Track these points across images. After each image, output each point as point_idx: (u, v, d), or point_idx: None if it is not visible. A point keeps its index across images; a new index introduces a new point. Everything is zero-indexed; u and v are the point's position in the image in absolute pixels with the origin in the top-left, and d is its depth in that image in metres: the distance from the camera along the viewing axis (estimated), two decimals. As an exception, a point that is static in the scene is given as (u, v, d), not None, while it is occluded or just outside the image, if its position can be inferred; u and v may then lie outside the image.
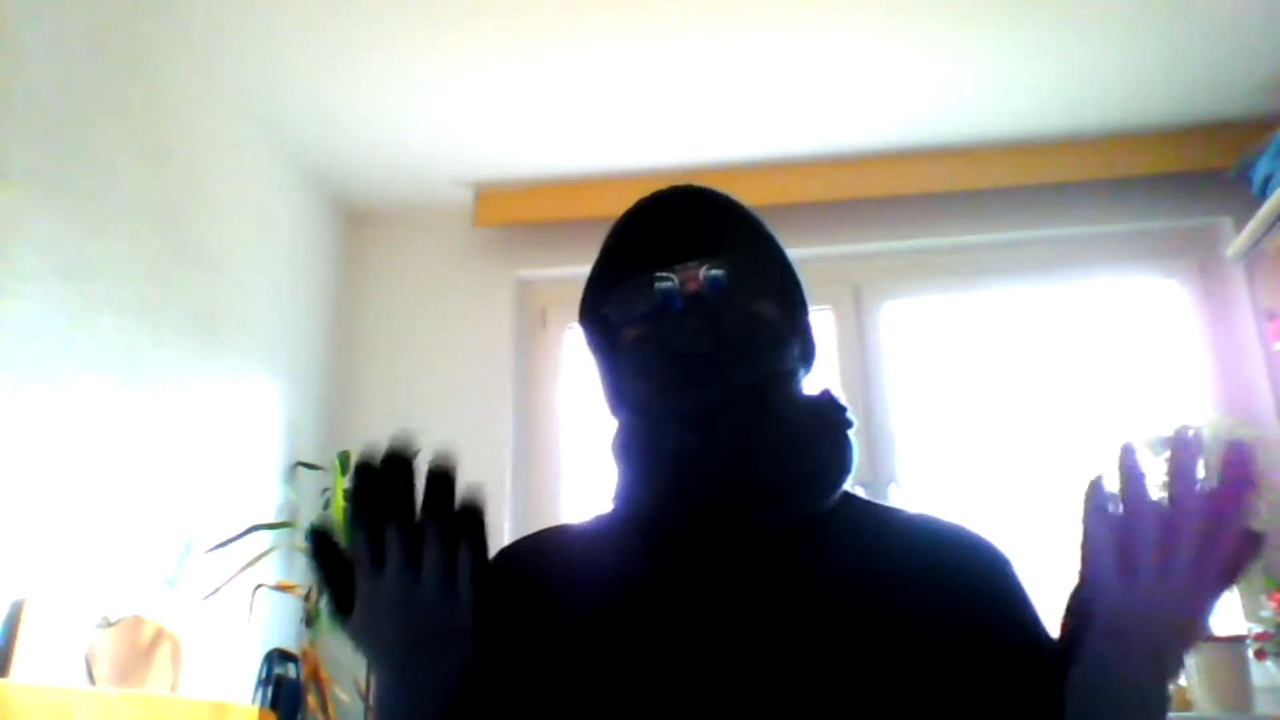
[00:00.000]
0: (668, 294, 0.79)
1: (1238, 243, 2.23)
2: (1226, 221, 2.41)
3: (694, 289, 0.79)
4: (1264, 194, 2.16)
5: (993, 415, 2.46)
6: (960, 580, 0.74)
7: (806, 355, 0.86)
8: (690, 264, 0.80)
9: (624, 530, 0.81)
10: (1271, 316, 2.23)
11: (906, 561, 0.75)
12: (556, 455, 2.59)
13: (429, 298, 2.71)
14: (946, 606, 0.72)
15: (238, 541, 2.00)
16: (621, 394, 0.86)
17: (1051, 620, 0.76)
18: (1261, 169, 2.20)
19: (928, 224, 2.57)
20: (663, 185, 0.89)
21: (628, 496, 0.82)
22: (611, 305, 0.84)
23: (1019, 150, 2.48)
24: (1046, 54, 2.16)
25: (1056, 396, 2.44)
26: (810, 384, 0.86)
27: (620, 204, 0.89)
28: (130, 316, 1.83)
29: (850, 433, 0.82)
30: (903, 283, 2.61)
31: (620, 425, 0.86)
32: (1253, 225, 2.15)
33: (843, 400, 0.84)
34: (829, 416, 0.81)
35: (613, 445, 0.85)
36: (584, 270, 0.90)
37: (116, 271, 1.80)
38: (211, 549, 1.97)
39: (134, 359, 1.83)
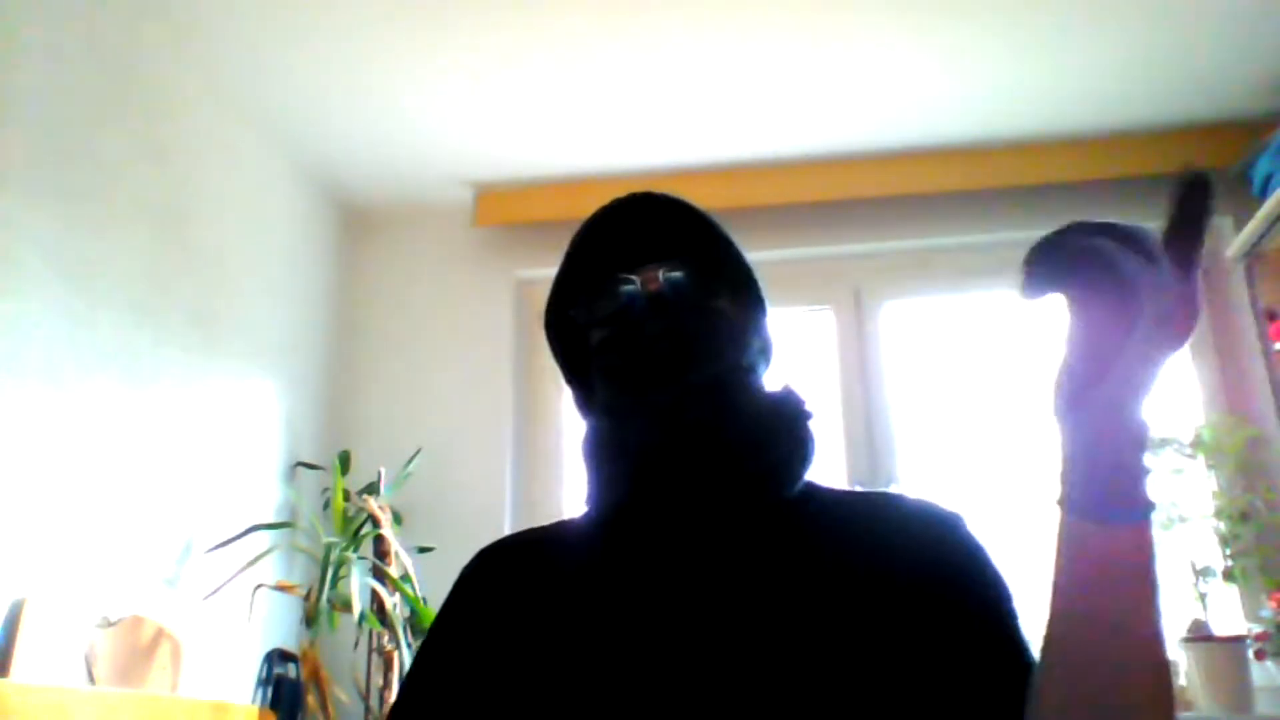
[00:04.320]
0: (630, 296, 0.82)
1: (1238, 243, 2.23)
2: (1226, 221, 2.40)
3: (655, 289, 0.82)
4: (1264, 194, 2.16)
5: (992, 415, 2.46)
6: (915, 545, 0.75)
7: (765, 351, 0.88)
8: (650, 266, 0.83)
9: (593, 531, 0.83)
10: (1271, 316, 2.23)
11: (865, 541, 0.77)
12: (556, 455, 2.59)
13: (429, 298, 2.71)
14: (905, 576, 0.73)
15: (238, 541, 2.00)
16: (588, 398, 0.89)
17: (1010, 573, 0.76)
18: (1261, 169, 2.20)
19: (928, 224, 2.57)
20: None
21: (596, 497, 0.83)
22: (577, 309, 0.88)
23: (1019, 150, 2.48)
24: (1047, 54, 2.16)
25: (1056, 396, 2.44)
26: (771, 380, 0.88)
27: (620, 204, 0.90)
28: (130, 316, 1.83)
29: (810, 423, 0.83)
30: (903, 283, 2.61)
31: (588, 428, 0.88)
32: (1253, 225, 2.15)
33: (802, 393, 0.85)
34: (789, 409, 0.83)
35: (582, 448, 0.87)
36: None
37: (116, 271, 1.81)
38: (211, 549, 1.97)
39: (134, 359, 1.83)
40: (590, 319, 0.86)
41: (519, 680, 0.73)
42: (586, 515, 0.85)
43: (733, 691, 0.68)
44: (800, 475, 0.81)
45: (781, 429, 0.81)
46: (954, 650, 0.70)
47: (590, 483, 0.85)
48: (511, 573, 0.83)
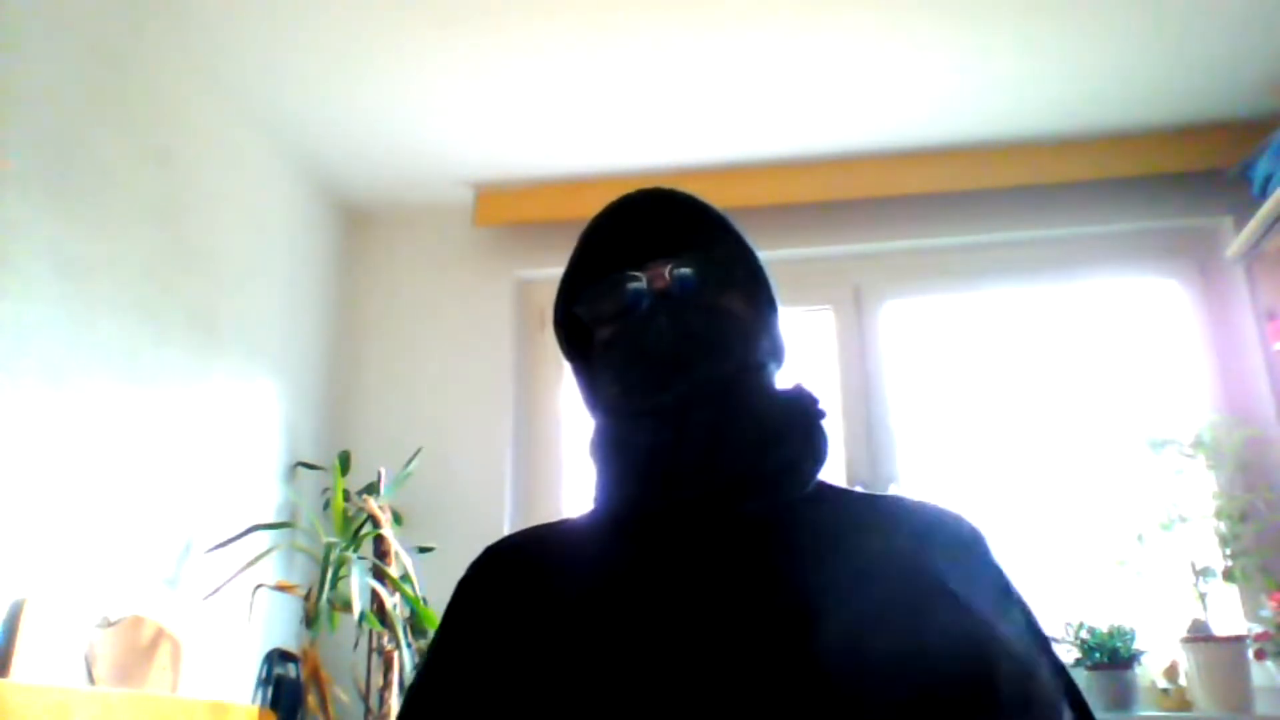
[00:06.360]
0: (636, 293, 0.81)
1: (1238, 243, 2.23)
2: (1226, 221, 2.41)
3: (662, 287, 0.81)
4: (1264, 194, 2.16)
5: (993, 415, 2.46)
6: (934, 556, 0.74)
7: (776, 350, 0.87)
8: (658, 263, 0.82)
9: (601, 528, 0.82)
10: (1271, 316, 2.23)
11: (880, 543, 0.75)
12: (556, 455, 2.59)
13: (429, 298, 2.71)
14: (922, 584, 0.72)
15: (238, 541, 2.00)
16: (595, 395, 0.88)
17: (1026, 592, 0.76)
18: (1261, 169, 2.20)
19: (928, 224, 2.57)
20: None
21: (604, 495, 0.83)
22: (582, 306, 0.86)
23: (1019, 150, 2.48)
24: (1046, 54, 2.16)
25: (1056, 397, 2.44)
26: (782, 379, 0.87)
27: (620, 204, 0.90)
28: (130, 316, 1.83)
29: (823, 423, 0.82)
30: (903, 283, 2.61)
31: (595, 426, 0.87)
32: (1253, 225, 2.15)
33: (814, 393, 0.84)
34: (800, 408, 0.82)
35: (589, 446, 0.86)
36: (585, 270, 0.90)
37: (116, 271, 1.80)
38: (211, 549, 1.97)
39: (134, 359, 1.83)
40: (596, 316, 0.85)
41: (528, 688, 0.72)
42: (594, 514, 0.85)
43: (747, 698, 0.66)
44: (812, 475, 0.80)
45: (792, 428, 0.80)
46: (988, 681, 0.68)
47: (598, 481, 0.84)
48: (519, 575, 0.81)
